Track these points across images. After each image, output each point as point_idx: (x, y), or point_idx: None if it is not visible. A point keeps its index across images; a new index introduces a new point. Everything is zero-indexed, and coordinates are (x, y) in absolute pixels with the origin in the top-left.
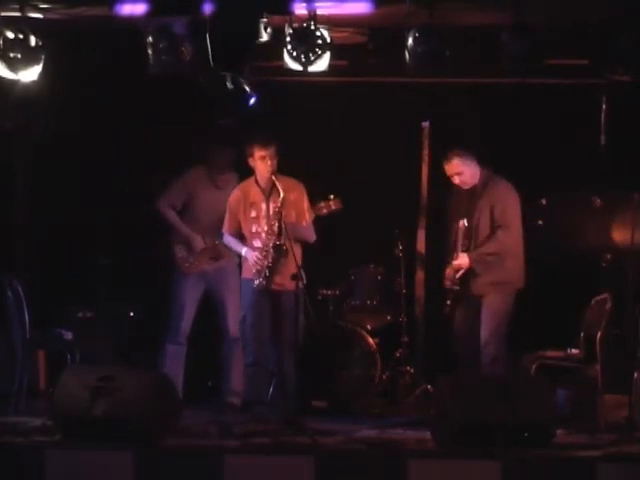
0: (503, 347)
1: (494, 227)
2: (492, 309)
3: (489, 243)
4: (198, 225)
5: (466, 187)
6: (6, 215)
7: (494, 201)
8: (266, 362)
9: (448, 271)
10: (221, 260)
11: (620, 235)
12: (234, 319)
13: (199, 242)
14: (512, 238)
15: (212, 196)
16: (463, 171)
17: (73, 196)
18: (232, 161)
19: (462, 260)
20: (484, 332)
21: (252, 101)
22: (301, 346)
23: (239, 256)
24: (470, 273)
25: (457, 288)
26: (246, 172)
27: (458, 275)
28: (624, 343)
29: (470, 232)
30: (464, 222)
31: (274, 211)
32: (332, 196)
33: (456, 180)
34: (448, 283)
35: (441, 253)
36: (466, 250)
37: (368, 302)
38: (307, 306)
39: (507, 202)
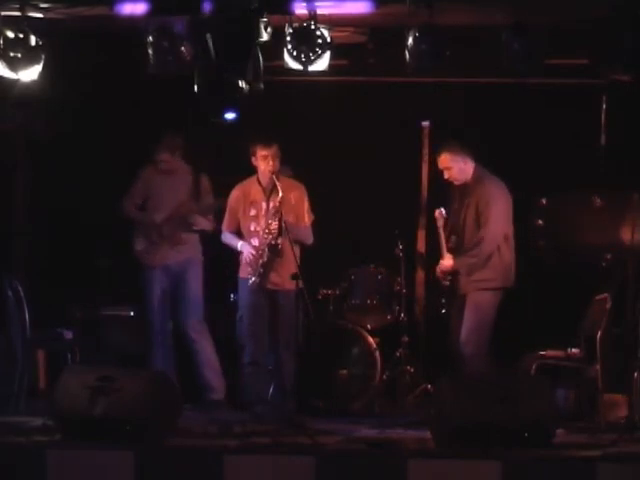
0: (483, 346)
1: (479, 225)
2: (473, 307)
3: (474, 248)
4: (159, 215)
5: (457, 183)
6: (6, 215)
7: (480, 198)
8: (264, 361)
9: (437, 270)
10: (183, 247)
11: (620, 235)
12: (196, 313)
13: (158, 216)
14: (493, 235)
15: (163, 183)
16: (452, 166)
17: (73, 196)
18: (174, 145)
19: (447, 262)
20: (464, 330)
21: (229, 116)
22: (301, 346)
23: (235, 252)
24: (456, 273)
25: (447, 283)
26: (247, 171)
27: (447, 276)
28: (624, 343)
29: (457, 229)
30: (441, 211)
31: (273, 210)
32: None
33: (445, 175)
34: (440, 277)
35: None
36: (453, 247)
37: (368, 302)
38: (307, 306)
39: (492, 198)
